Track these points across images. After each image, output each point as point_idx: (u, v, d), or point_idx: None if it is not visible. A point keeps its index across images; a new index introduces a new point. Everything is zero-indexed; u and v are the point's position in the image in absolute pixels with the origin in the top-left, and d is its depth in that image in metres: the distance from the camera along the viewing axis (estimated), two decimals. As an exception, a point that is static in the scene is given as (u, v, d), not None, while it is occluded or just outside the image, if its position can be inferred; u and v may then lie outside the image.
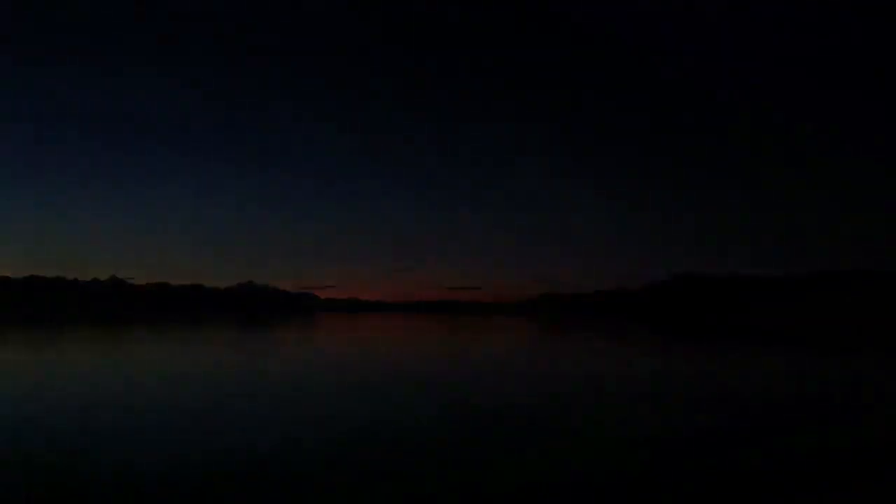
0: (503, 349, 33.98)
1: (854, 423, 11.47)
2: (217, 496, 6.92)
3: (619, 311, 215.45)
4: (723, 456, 8.72)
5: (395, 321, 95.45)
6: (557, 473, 7.83)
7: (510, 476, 7.70)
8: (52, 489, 7.16)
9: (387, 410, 12.65)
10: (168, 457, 8.62)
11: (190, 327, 62.58)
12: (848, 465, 8.21)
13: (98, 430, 10.40)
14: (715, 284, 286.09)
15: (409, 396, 14.79)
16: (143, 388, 15.83)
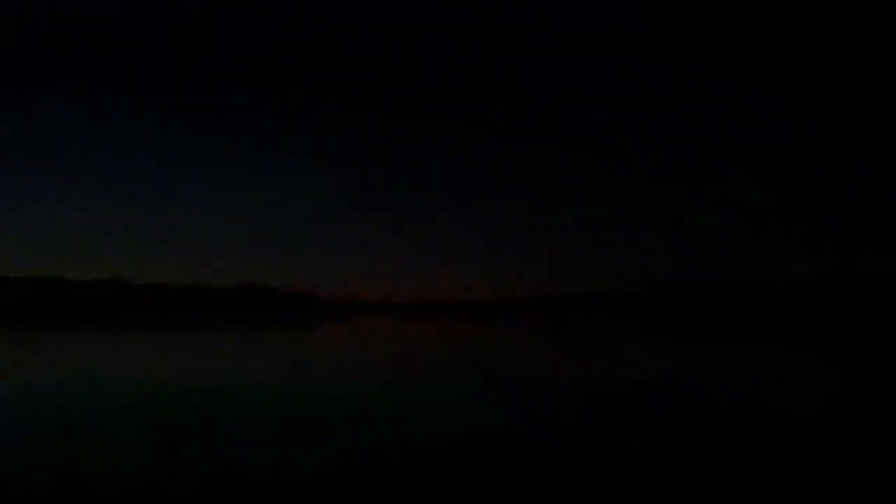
0: (494, 351, 34.05)
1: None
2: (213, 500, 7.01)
3: (619, 311, 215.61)
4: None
5: (395, 322, 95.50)
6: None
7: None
8: (47, 493, 7.24)
9: (385, 414, 12.75)
10: (164, 460, 8.72)
11: (190, 327, 62.59)
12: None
13: (96, 433, 10.49)
14: (714, 285, 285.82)
15: (408, 400, 14.89)
16: (142, 390, 15.91)
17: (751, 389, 16.41)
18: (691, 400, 14.54)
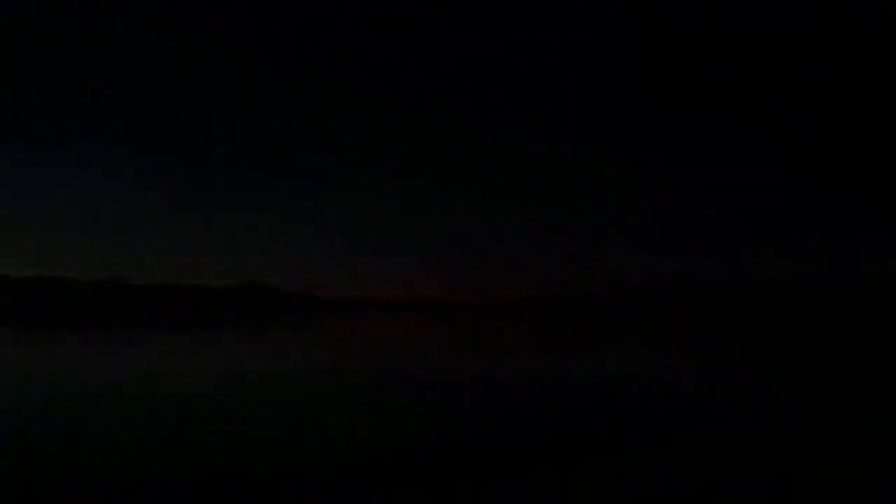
0: (494, 350, 34.06)
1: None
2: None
3: (619, 311, 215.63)
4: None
5: (395, 322, 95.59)
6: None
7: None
8: (47, 493, 7.24)
9: (385, 413, 12.76)
10: (164, 460, 8.72)
11: (190, 327, 62.59)
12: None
13: (96, 433, 10.49)
14: (714, 285, 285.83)
15: (408, 400, 14.91)
16: (142, 390, 15.91)
17: (751, 389, 16.40)
18: (691, 400, 14.54)
